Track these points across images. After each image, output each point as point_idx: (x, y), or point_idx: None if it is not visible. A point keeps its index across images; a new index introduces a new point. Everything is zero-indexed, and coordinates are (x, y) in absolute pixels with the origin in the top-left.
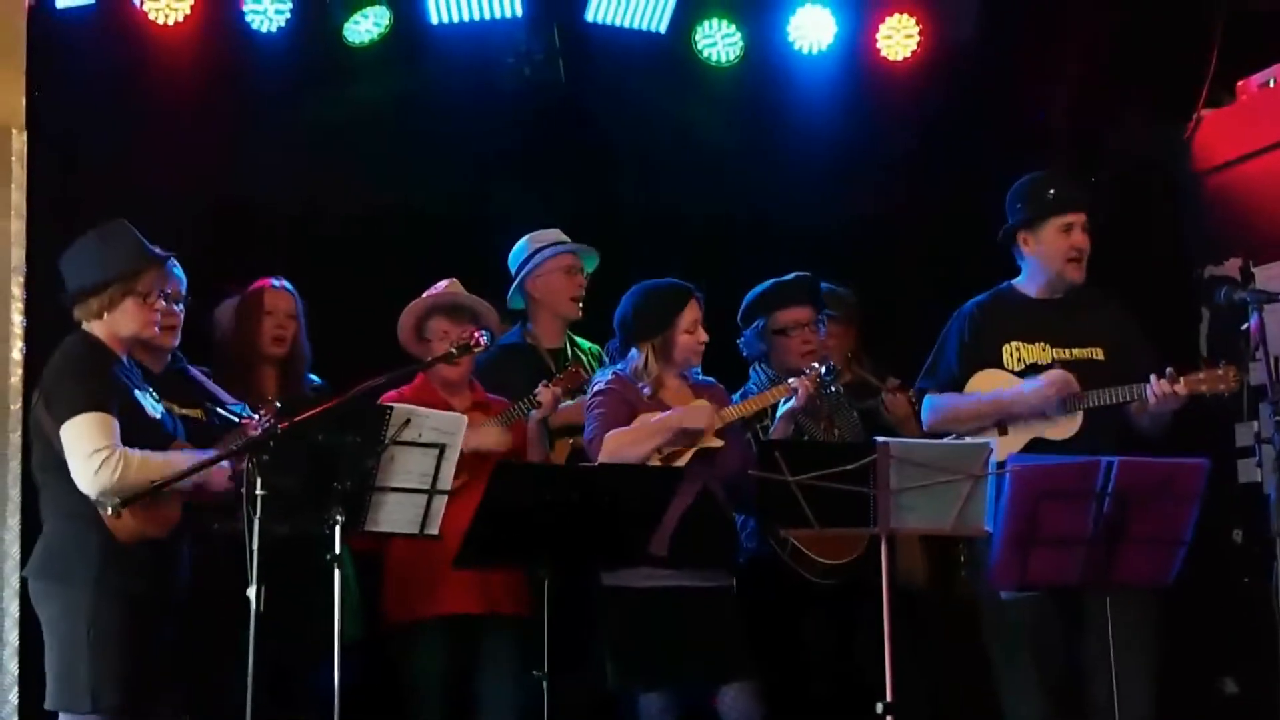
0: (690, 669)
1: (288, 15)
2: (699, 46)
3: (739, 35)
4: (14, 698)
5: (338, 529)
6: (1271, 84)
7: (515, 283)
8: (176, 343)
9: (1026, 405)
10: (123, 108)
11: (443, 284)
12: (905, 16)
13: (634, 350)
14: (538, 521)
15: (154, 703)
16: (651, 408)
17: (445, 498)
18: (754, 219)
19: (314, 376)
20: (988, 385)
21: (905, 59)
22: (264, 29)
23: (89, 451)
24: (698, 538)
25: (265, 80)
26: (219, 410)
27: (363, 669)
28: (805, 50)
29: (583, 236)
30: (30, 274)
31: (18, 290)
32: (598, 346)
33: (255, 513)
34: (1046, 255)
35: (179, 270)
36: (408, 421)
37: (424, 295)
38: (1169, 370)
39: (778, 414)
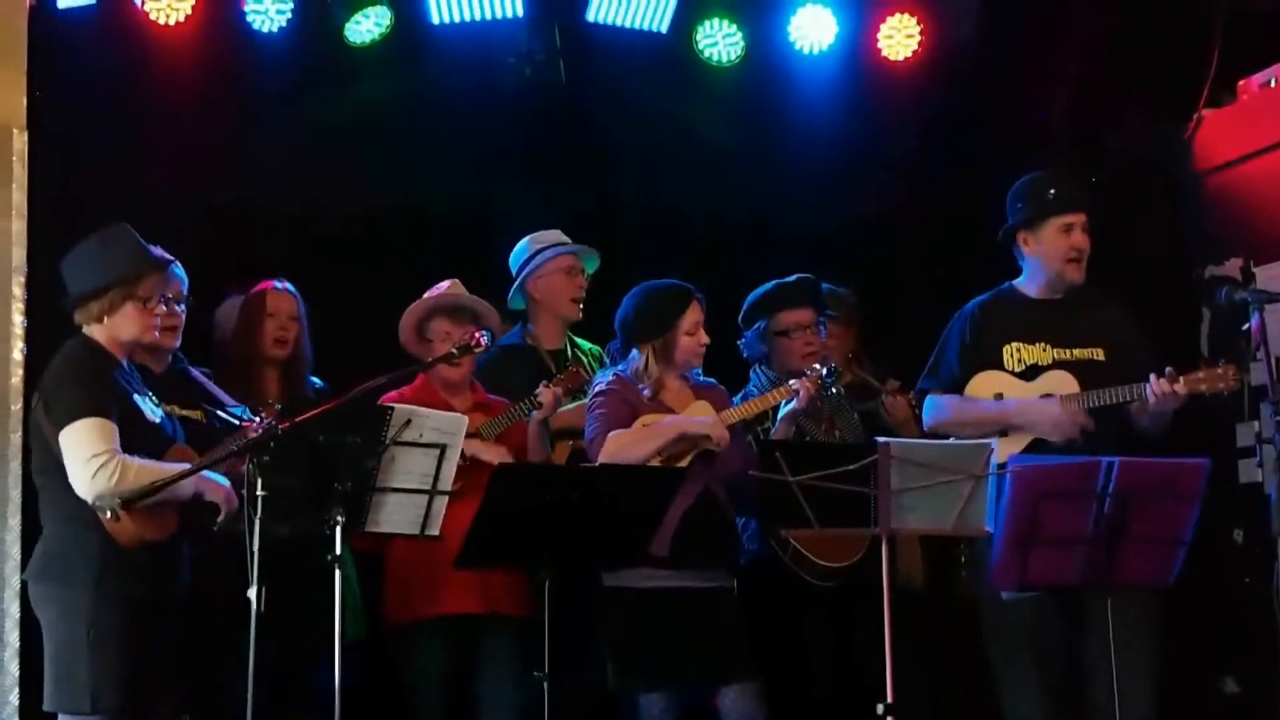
0: (691, 669)
1: (289, 15)
2: (700, 46)
3: (740, 35)
4: (14, 699)
5: (338, 529)
6: (1272, 84)
7: (516, 283)
8: (178, 344)
9: (1029, 423)
10: (124, 108)
11: (444, 285)
12: (906, 16)
13: (635, 351)
14: (538, 522)
15: (154, 703)
16: (652, 409)
17: (446, 498)
18: (754, 219)
19: (315, 379)
20: (988, 386)
21: (906, 59)
22: (265, 29)
23: (87, 456)
24: (699, 538)
25: (266, 80)
26: (219, 412)
27: (363, 669)
28: (806, 50)
29: (583, 237)
30: (31, 274)
31: (18, 290)
32: (598, 347)
33: (256, 513)
34: (1047, 255)
35: (180, 271)
36: (408, 422)
37: (425, 296)
38: (1169, 370)
39: (779, 416)
